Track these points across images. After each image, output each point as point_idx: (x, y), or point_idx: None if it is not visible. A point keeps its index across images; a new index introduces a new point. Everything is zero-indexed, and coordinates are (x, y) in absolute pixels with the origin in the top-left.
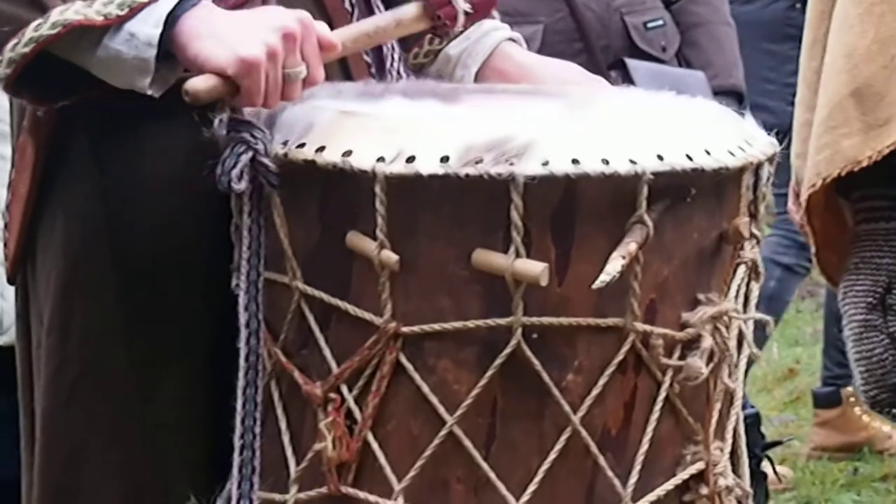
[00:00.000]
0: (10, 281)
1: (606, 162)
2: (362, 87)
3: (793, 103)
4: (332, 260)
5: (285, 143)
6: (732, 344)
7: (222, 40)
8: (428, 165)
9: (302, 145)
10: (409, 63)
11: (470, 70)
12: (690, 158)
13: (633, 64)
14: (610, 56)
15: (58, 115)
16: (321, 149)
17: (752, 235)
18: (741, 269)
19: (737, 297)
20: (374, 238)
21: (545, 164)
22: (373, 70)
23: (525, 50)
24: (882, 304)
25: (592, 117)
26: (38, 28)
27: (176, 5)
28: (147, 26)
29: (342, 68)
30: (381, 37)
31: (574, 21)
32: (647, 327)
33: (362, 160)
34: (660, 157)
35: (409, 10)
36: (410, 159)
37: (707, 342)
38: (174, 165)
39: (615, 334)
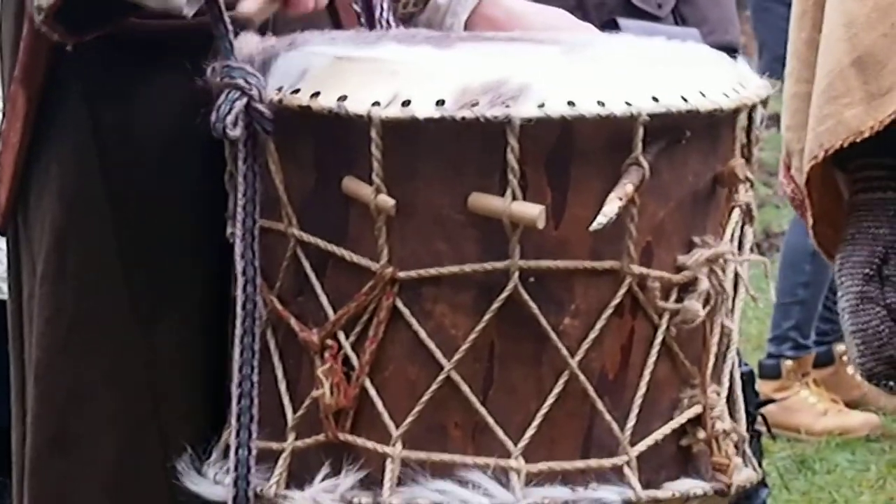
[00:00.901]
0: (2, 232)
1: (602, 104)
2: (355, 34)
3: None
4: (329, 206)
5: (280, 90)
6: (729, 286)
7: None
8: (424, 109)
9: (297, 91)
10: (398, 13)
11: (459, 18)
12: (685, 100)
13: (624, 23)
14: (605, 13)
15: (50, 64)
16: (316, 94)
17: (747, 178)
18: (736, 212)
19: (732, 239)
20: (371, 183)
21: (541, 106)
22: (362, 20)
23: None
24: (879, 276)
25: (587, 60)
26: None
27: None
28: None
29: (332, 19)
30: None
31: None
32: (644, 270)
33: (357, 105)
34: (655, 99)
35: None
36: (406, 103)
37: (703, 285)
38: (168, 113)
39: (612, 277)
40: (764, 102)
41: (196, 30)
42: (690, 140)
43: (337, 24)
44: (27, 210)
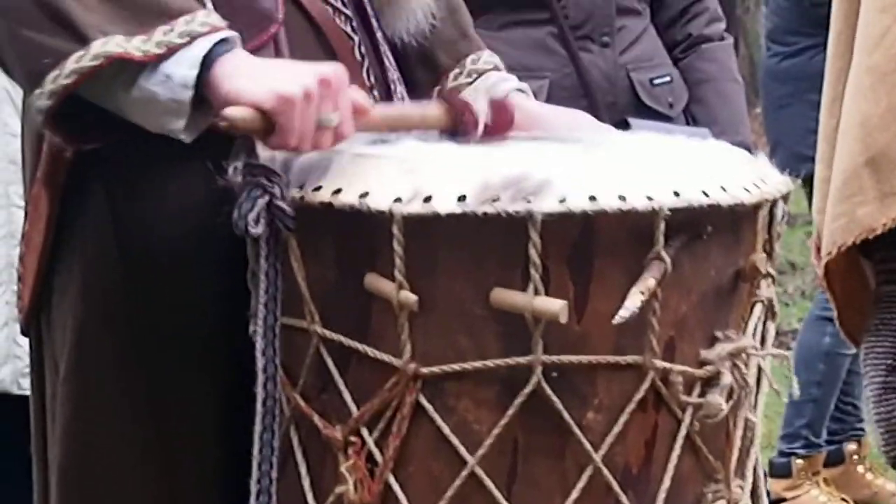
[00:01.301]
0: (24, 332)
1: (623, 198)
2: (375, 134)
3: None
4: (351, 302)
5: (301, 187)
6: (751, 381)
7: (259, 79)
8: (445, 204)
9: (318, 188)
10: None
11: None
12: (706, 195)
13: (636, 123)
14: (616, 113)
15: (72, 164)
16: (338, 191)
17: (768, 273)
18: (758, 307)
19: (754, 334)
20: (393, 279)
21: (562, 200)
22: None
23: (533, 99)
24: None
25: (608, 156)
26: (80, 59)
27: (212, 48)
28: (183, 68)
29: None
30: (404, 123)
31: (579, 78)
32: (667, 364)
33: (379, 201)
34: (676, 194)
35: (434, 110)
36: (427, 199)
37: (726, 379)
38: (189, 212)
39: (635, 371)
40: (785, 198)
41: (217, 129)
42: (712, 235)
43: None
44: (50, 310)
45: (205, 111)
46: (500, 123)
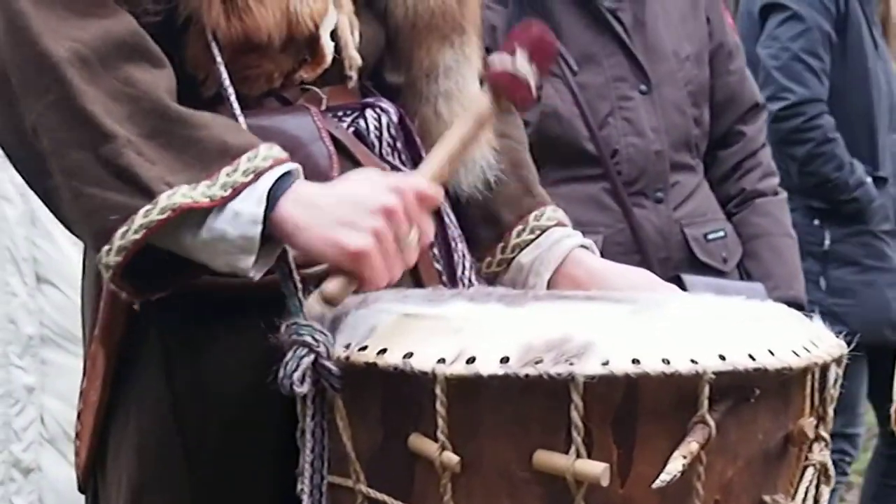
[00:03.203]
0: (81, 489)
1: (667, 361)
2: (429, 292)
3: None
4: (395, 462)
5: (347, 346)
6: None
7: (327, 232)
8: (488, 366)
9: (364, 348)
10: (481, 272)
11: (542, 277)
12: (753, 358)
13: (689, 280)
14: (670, 269)
15: (129, 322)
16: (382, 351)
17: (821, 438)
18: (809, 472)
19: (805, 499)
20: (436, 439)
21: (605, 363)
22: (444, 278)
23: (597, 257)
24: None
25: (655, 319)
26: (148, 214)
27: (275, 183)
28: (250, 205)
29: (413, 276)
30: (471, 143)
31: (633, 233)
32: None
33: (423, 362)
34: (721, 357)
35: (480, 103)
36: (471, 360)
37: None
38: (242, 369)
39: None
40: (838, 361)
41: (270, 287)
42: (760, 398)
43: (418, 282)
44: (105, 466)
45: (270, 248)
46: (544, 54)
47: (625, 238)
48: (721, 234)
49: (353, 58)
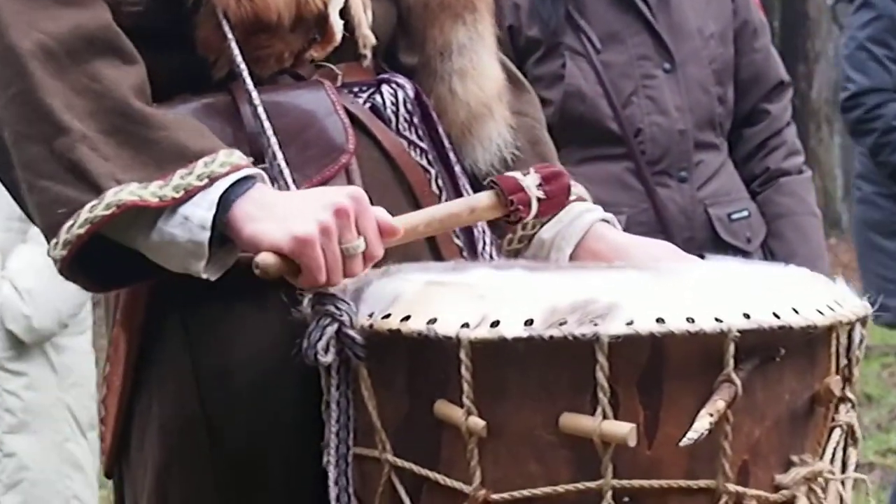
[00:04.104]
0: (108, 474)
1: (692, 320)
2: (452, 264)
3: None
4: (422, 430)
5: (371, 315)
6: None
7: (276, 221)
8: (512, 329)
9: (388, 315)
10: (503, 249)
11: (564, 252)
12: (778, 317)
13: (713, 259)
14: (693, 248)
15: (149, 305)
16: (406, 318)
17: (847, 399)
18: (836, 432)
19: (832, 460)
20: (462, 405)
21: (629, 323)
22: (464, 254)
23: (618, 230)
24: None
25: (679, 282)
26: (93, 209)
27: (229, 188)
28: (201, 209)
29: (433, 251)
30: (454, 222)
31: (657, 213)
32: (740, 489)
33: (447, 327)
34: (746, 316)
35: (483, 198)
36: (495, 324)
37: (803, 503)
38: (265, 347)
39: (708, 496)
40: (863, 321)
41: None
42: (785, 358)
43: (437, 257)
44: (129, 451)
45: (230, 249)
46: (556, 192)
47: (648, 218)
48: (745, 213)
49: (367, 36)
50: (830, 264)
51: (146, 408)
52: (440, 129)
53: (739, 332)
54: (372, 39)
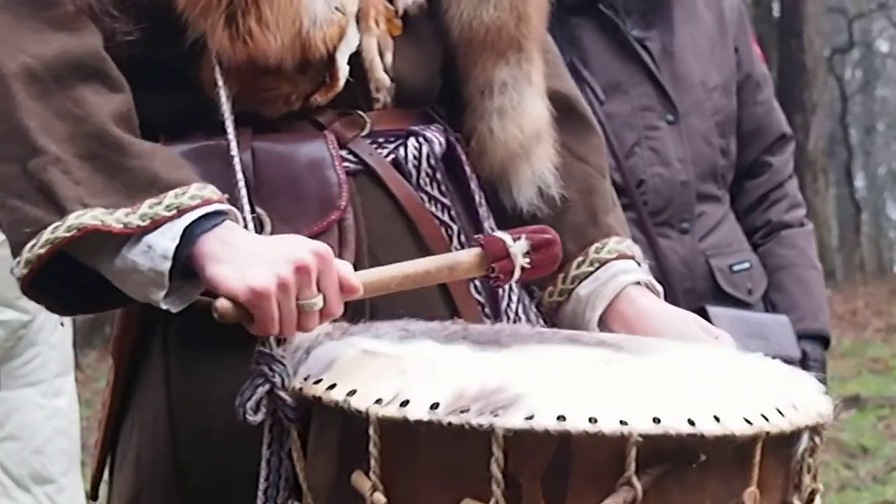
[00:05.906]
0: (92, 497)
1: (594, 420)
2: (402, 331)
3: None
4: (346, 497)
5: (307, 378)
6: None
7: (236, 267)
8: (417, 410)
9: (319, 381)
10: (544, 301)
11: (596, 311)
12: (693, 423)
13: (714, 312)
14: (694, 299)
15: (136, 335)
16: (332, 386)
17: None
18: None
19: None
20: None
21: (529, 418)
22: (486, 310)
23: (650, 295)
24: None
25: (613, 374)
26: (55, 230)
27: (196, 221)
28: (165, 240)
29: (447, 304)
30: (430, 279)
31: (658, 264)
32: None
33: (361, 401)
34: (657, 420)
35: (464, 257)
36: (405, 403)
37: None
38: (235, 384)
39: None
40: (816, 429)
41: None
42: (707, 463)
43: (452, 309)
44: (112, 477)
45: (196, 284)
46: (543, 262)
47: (649, 268)
48: (746, 265)
49: (381, 80)
50: None
51: (128, 435)
52: (472, 186)
53: (643, 436)
54: (386, 82)
